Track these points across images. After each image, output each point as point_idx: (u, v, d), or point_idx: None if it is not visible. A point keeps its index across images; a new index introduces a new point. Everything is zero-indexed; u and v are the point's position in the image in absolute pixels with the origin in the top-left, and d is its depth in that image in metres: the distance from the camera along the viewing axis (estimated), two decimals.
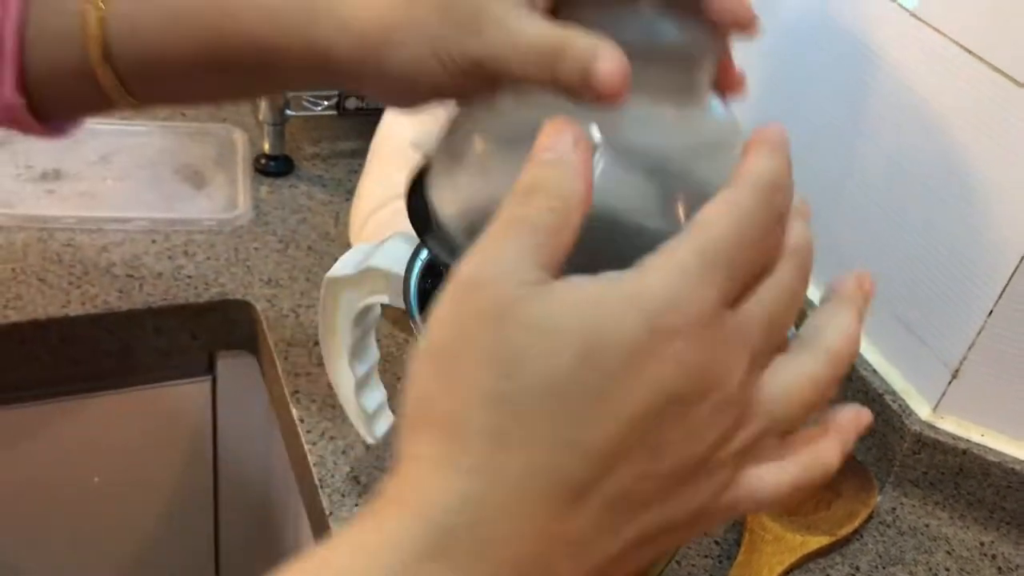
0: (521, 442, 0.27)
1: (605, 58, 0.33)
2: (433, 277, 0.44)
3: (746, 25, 0.35)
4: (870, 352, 0.69)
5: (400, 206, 0.67)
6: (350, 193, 0.81)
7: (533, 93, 0.36)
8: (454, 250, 0.36)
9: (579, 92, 0.33)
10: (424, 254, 0.46)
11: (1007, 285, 0.59)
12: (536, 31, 0.35)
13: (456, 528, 0.26)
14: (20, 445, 0.77)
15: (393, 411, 0.55)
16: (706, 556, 0.60)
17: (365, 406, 0.52)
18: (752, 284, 0.29)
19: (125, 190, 0.80)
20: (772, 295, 0.29)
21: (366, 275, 0.46)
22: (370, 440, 0.54)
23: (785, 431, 0.30)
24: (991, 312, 0.60)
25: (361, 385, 0.52)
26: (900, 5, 0.63)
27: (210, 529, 0.88)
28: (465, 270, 0.28)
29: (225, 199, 0.81)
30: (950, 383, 0.64)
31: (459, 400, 0.27)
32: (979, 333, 0.61)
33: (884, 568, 0.62)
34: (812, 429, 0.32)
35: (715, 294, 0.27)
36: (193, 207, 0.80)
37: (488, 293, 0.28)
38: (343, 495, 0.59)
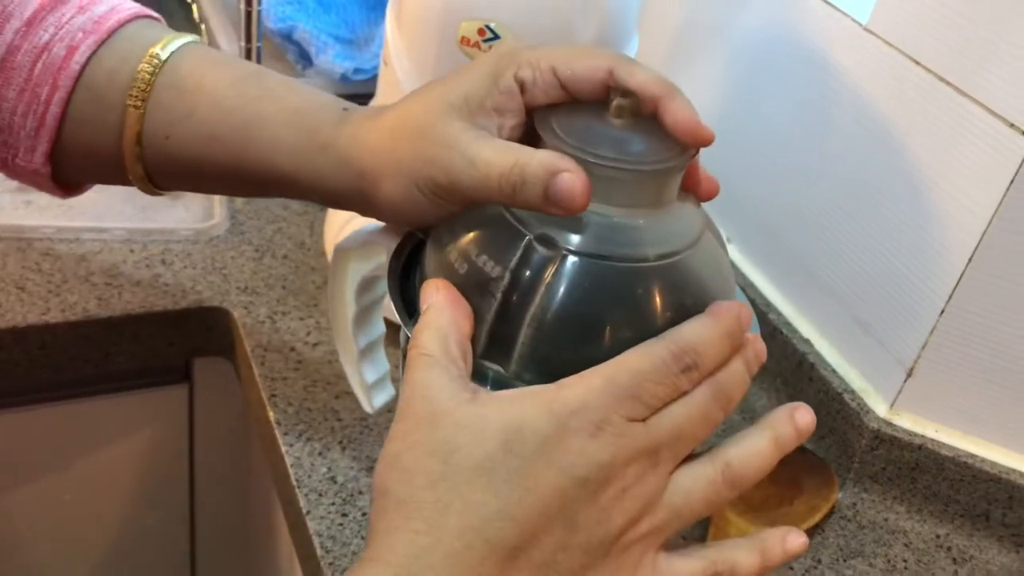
0: (459, 509, 0.34)
1: (562, 174, 0.36)
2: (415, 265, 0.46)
3: (702, 141, 0.39)
4: (830, 353, 0.72)
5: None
6: None
7: None
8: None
9: (543, 208, 0.37)
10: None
11: (956, 286, 0.61)
12: (492, 155, 0.38)
13: (415, 573, 0.34)
14: None
15: (394, 384, 0.56)
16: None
17: (366, 377, 0.54)
18: (662, 405, 0.36)
19: (103, 200, 0.81)
20: (683, 413, 0.36)
21: (371, 248, 0.48)
22: (368, 410, 0.55)
23: (688, 521, 0.37)
24: (942, 312, 0.63)
25: (364, 356, 0.53)
26: (853, 19, 0.66)
27: (186, 532, 0.89)
28: (406, 392, 0.37)
29: (201, 209, 0.83)
30: (905, 381, 0.66)
31: (411, 484, 0.35)
32: (931, 333, 0.64)
33: (845, 561, 0.64)
34: (736, 539, 0.39)
35: (621, 410, 0.35)
36: (170, 217, 0.81)
37: (425, 407, 0.36)
38: (320, 495, 0.60)
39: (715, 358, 0.37)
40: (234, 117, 0.46)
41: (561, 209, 0.37)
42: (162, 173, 0.49)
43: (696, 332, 0.37)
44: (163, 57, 0.47)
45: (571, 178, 0.36)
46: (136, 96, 0.47)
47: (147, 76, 0.47)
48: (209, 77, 0.47)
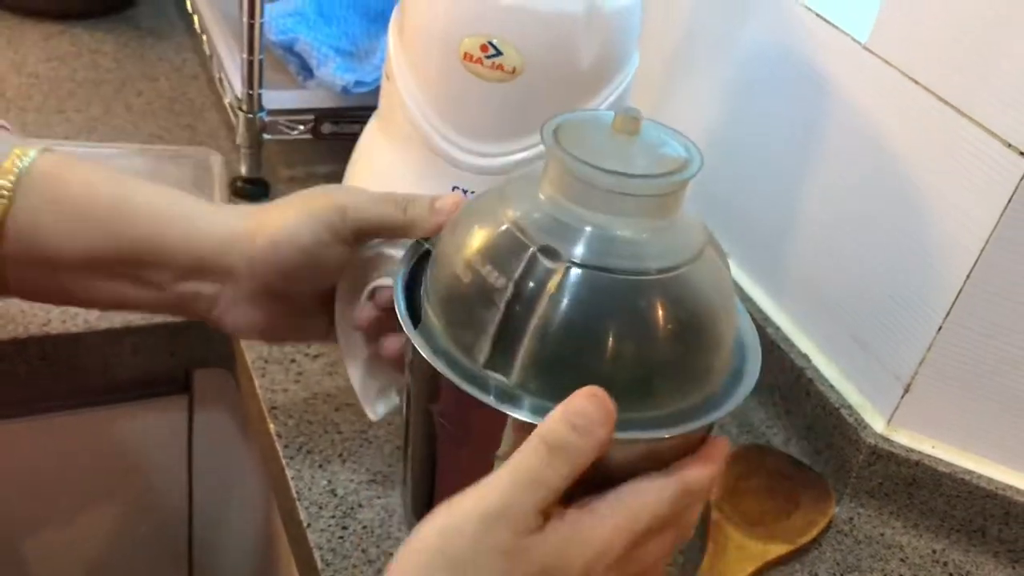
0: None
1: (444, 197, 0.48)
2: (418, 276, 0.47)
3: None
4: (828, 368, 0.72)
5: None
6: None
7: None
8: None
9: (423, 221, 0.48)
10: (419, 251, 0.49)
11: (954, 304, 0.62)
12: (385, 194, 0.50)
13: None
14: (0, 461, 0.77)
15: (398, 395, 0.57)
16: (670, 564, 0.62)
17: (370, 385, 0.54)
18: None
19: None
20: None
21: (380, 259, 0.50)
22: (372, 417, 0.56)
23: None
24: (940, 329, 0.63)
25: (370, 364, 0.54)
26: (852, 38, 0.67)
27: (185, 543, 0.89)
28: (492, 504, 0.36)
29: None
30: (903, 397, 0.66)
31: None
32: (929, 349, 0.64)
33: (842, 575, 0.64)
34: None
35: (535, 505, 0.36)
36: None
37: (505, 534, 0.35)
38: (320, 507, 0.60)
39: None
40: (106, 194, 0.48)
41: (439, 219, 0.47)
42: (22, 269, 0.48)
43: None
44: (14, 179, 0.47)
45: (451, 197, 0.48)
46: None
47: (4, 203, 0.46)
48: (76, 176, 0.49)
